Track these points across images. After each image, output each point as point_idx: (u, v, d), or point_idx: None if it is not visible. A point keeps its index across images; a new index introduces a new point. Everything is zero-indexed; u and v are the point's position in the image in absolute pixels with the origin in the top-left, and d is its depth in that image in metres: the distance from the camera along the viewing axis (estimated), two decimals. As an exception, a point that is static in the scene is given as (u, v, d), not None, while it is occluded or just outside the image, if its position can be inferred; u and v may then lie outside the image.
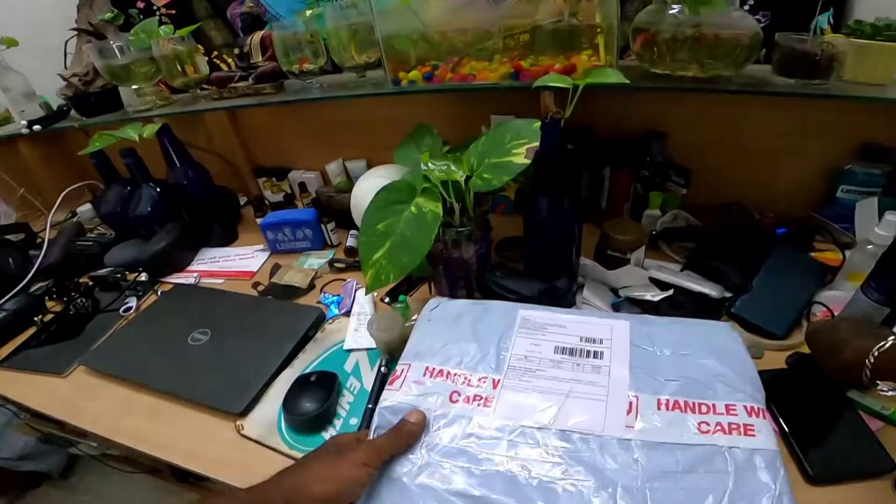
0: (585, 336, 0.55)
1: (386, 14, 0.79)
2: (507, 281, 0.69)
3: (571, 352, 0.54)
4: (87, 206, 1.27)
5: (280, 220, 1.02)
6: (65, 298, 0.98)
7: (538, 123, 0.65)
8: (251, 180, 1.28)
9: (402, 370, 0.55)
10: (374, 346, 0.74)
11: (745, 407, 0.47)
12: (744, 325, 0.70)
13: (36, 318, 0.91)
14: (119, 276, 1.03)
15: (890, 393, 0.59)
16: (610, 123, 0.92)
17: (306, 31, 0.89)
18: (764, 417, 0.46)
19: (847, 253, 0.77)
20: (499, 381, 0.52)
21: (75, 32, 1.10)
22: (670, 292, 0.72)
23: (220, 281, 1.00)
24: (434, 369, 0.53)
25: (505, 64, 0.77)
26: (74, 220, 1.25)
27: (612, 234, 0.76)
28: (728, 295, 0.73)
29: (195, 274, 1.03)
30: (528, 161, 0.64)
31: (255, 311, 0.86)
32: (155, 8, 1.18)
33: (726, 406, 0.47)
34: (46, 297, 0.99)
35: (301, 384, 0.67)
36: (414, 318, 0.76)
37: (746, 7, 0.83)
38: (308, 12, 0.88)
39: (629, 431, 0.46)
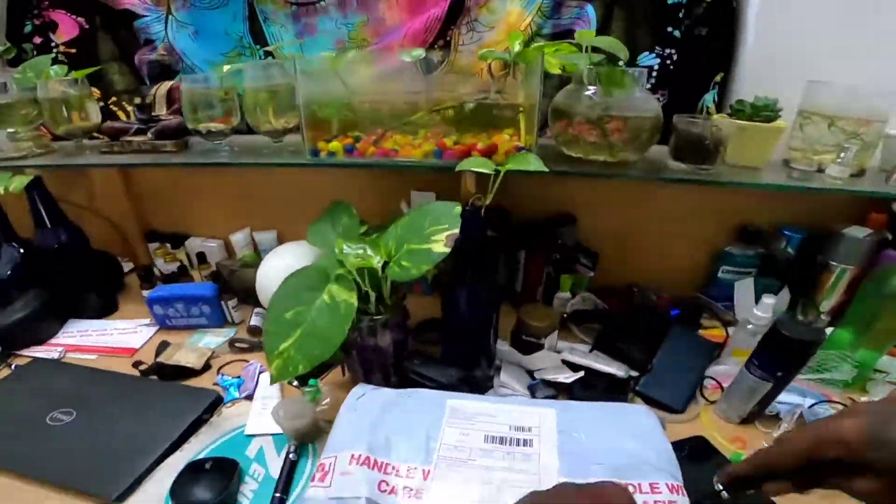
0: (515, 425, 0.56)
1: (310, 77, 0.76)
2: (424, 369, 0.67)
3: (502, 440, 0.55)
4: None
5: (171, 294, 0.91)
6: None
7: (458, 208, 0.65)
8: (141, 246, 1.15)
9: (330, 463, 0.52)
10: (277, 432, 0.68)
11: (667, 485, 0.49)
12: (647, 401, 0.74)
13: None
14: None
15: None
16: (524, 206, 0.95)
17: (221, 87, 0.83)
18: (682, 494, 0.49)
19: (730, 330, 0.85)
20: (429, 471, 0.51)
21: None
22: (581, 374, 0.74)
23: (92, 357, 0.87)
24: (360, 456, 0.52)
25: (429, 141, 0.77)
26: None
27: (527, 321, 0.78)
28: (633, 374, 0.77)
29: (60, 348, 0.89)
30: (447, 250, 0.63)
31: (135, 392, 0.78)
32: (53, 45, 1.06)
33: (651, 485, 0.49)
34: None
35: (194, 470, 0.61)
36: (325, 401, 0.71)
37: (647, 86, 0.91)
38: (226, 67, 0.81)
39: None
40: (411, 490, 0.49)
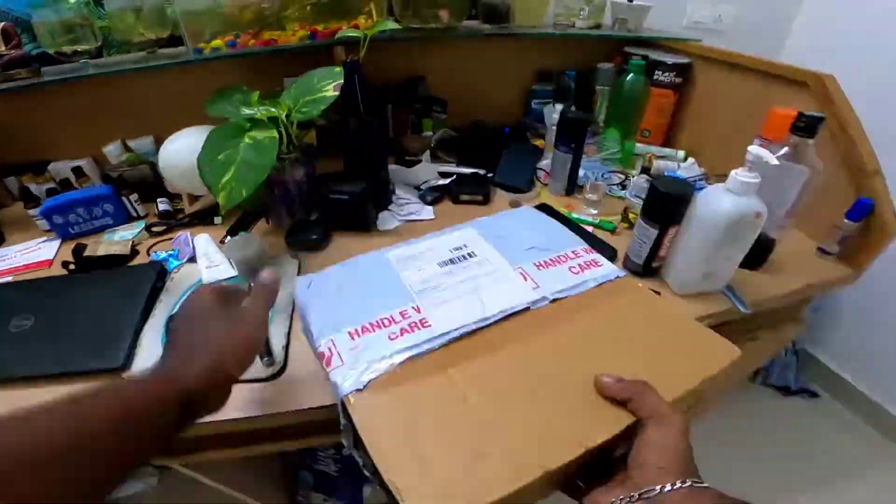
0: (452, 247, 0.62)
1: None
2: (341, 187, 0.86)
3: (451, 261, 0.59)
4: None
5: (69, 200, 0.92)
6: None
7: (338, 68, 0.83)
8: (-4, 181, 1.09)
9: (329, 348, 0.49)
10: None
11: (583, 249, 0.61)
12: (502, 188, 1.05)
13: None
14: None
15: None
16: (385, 73, 1.17)
17: (75, 15, 0.88)
18: (593, 252, 0.61)
19: (546, 137, 1.19)
20: (418, 306, 0.53)
21: None
22: (455, 177, 1.02)
23: (9, 278, 0.86)
24: (357, 329, 0.50)
25: (299, 31, 0.92)
26: None
27: (406, 144, 1.01)
28: (490, 174, 1.06)
29: (-32, 281, 0.86)
30: (336, 93, 0.81)
31: (79, 286, 0.79)
32: None
33: (573, 252, 0.60)
34: None
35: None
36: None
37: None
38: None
39: (539, 291, 0.54)
40: (416, 323, 0.51)
